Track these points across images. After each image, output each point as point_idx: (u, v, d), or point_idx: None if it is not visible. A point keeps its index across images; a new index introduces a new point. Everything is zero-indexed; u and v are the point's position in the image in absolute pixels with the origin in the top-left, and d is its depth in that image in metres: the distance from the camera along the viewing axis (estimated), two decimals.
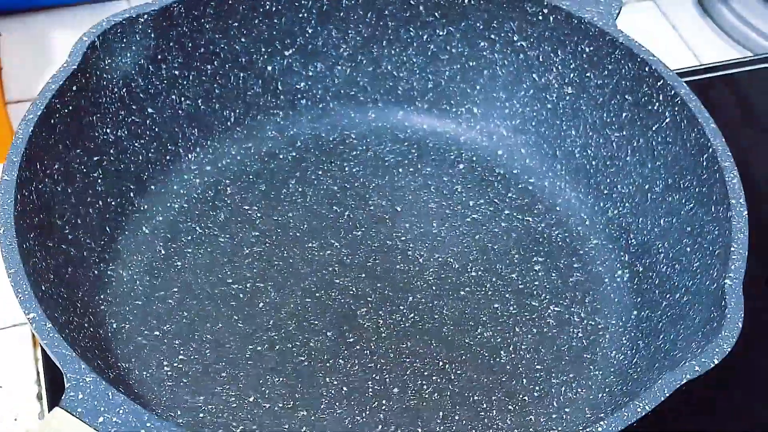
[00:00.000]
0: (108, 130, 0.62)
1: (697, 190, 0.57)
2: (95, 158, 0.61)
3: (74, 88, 0.58)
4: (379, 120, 0.73)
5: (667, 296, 0.57)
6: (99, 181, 0.61)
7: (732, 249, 0.50)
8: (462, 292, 0.62)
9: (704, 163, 0.56)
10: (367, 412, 0.55)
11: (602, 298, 0.62)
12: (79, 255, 0.58)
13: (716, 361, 0.45)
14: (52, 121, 0.56)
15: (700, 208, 0.56)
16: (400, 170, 0.70)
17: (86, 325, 0.55)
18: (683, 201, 0.59)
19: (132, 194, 0.64)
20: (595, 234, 0.66)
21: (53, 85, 0.57)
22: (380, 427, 0.54)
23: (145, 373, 0.56)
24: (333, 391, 0.56)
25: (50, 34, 0.86)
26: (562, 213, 0.67)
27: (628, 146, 0.64)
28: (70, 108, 0.58)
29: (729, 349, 0.46)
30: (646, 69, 0.61)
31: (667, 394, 0.44)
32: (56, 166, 0.57)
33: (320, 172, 0.69)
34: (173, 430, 0.42)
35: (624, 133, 0.64)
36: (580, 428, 0.55)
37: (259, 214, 0.66)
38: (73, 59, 0.58)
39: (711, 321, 0.49)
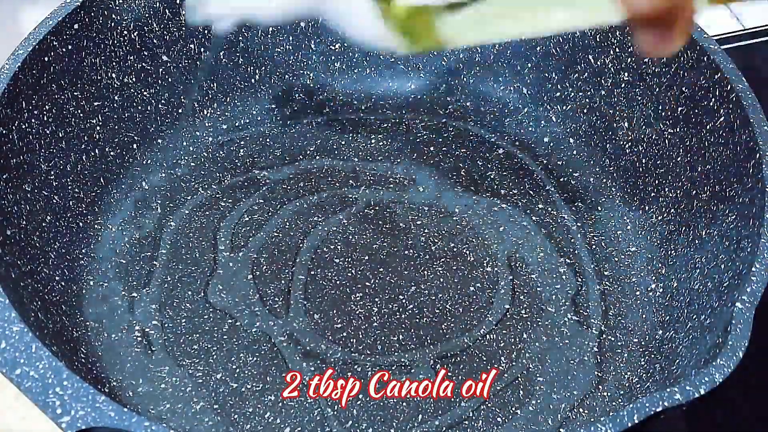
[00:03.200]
0: (113, 75, 0.63)
1: (740, 200, 0.54)
2: (96, 103, 0.62)
3: (75, 26, 0.60)
4: (420, 92, 0.73)
5: (694, 317, 0.55)
6: (98, 128, 0.63)
7: (753, 269, 0.48)
8: (472, 288, 0.60)
9: (750, 170, 0.54)
10: (341, 404, 0.55)
11: (629, 312, 0.60)
12: (63, 203, 0.60)
13: (702, 392, 0.43)
14: (46, 59, 0.58)
15: (741, 221, 0.54)
16: (432, 149, 0.69)
17: (57, 277, 0.57)
18: (726, 212, 0.56)
19: (135, 146, 0.66)
20: (635, 241, 0.64)
21: (51, 21, 0.58)
22: (350, 423, 0.54)
23: (113, 335, 0.57)
24: (307, 378, 0.56)
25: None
26: (603, 213, 0.65)
27: (680, 145, 0.61)
28: (69, 47, 0.60)
29: (721, 380, 0.43)
30: (705, 59, 0.58)
31: (636, 421, 0.42)
32: (47, 107, 0.58)
33: (343, 142, 0.69)
34: (91, 391, 0.42)
35: (677, 129, 0.61)
36: None
37: (268, 180, 0.66)
38: None
39: (716, 347, 0.47)
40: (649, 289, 0.61)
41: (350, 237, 0.63)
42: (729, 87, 0.57)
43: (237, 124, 0.70)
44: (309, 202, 0.65)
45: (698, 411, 0.57)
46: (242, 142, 0.69)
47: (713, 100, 0.58)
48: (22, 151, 0.56)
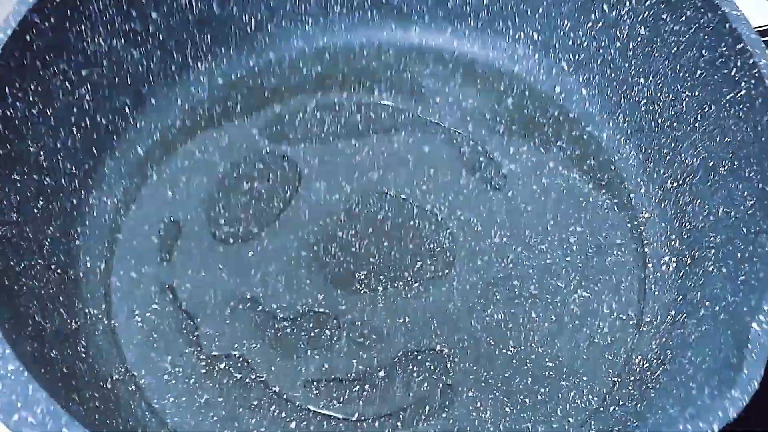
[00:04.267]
0: (100, 41, 0.60)
1: (760, 186, 0.52)
2: (83, 72, 0.59)
3: None
4: (424, 37, 0.69)
5: (707, 303, 0.53)
6: (87, 97, 0.60)
7: None
8: (479, 262, 0.59)
9: None
10: (346, 396, 0.54)
11: (641, 287, 0.58)
12: (55, 184, 0.57)
13: (716, 428, 0.42)
14: (28, 38, 0.55)
15: (760, 210, 0.51)
16: (438, 99, 0.66)
17: (53, 266, 0.55)
18: (745, 194, 0.53)
19: (127, 109, 0.63)
20: (649, 206, 0.61)
21: None
22: (356, 415, 0.53)
23: (113, 322, 0.56)
24: (312, 367, 0.55)
25: None
26: (616, 173, 0.63)
27: (698, 110, 0.58)
28: (53, 20, 0.56)
29: (735, 415, 0.42)
30: (726, 26, 0.55)
31: None
32: (32, 87, 0.55)
33: (345, 95, 0.66)
34: None
35: (696, 93, 0.58)
36: None
37: (266, 141, 0.64)
38: None
39: (729, 368, 0.45)
40: (662, 262, 0.59)
41: (353, 207, 0.61)
42: (752, 61, 0.53)
43: (232, 77, 0.67)
44: (310, 166, 0.63)
45: None
46: (239, 96, 0.66)
47: (734, 70, 0.55)
48: (8, 139, 0.54)
